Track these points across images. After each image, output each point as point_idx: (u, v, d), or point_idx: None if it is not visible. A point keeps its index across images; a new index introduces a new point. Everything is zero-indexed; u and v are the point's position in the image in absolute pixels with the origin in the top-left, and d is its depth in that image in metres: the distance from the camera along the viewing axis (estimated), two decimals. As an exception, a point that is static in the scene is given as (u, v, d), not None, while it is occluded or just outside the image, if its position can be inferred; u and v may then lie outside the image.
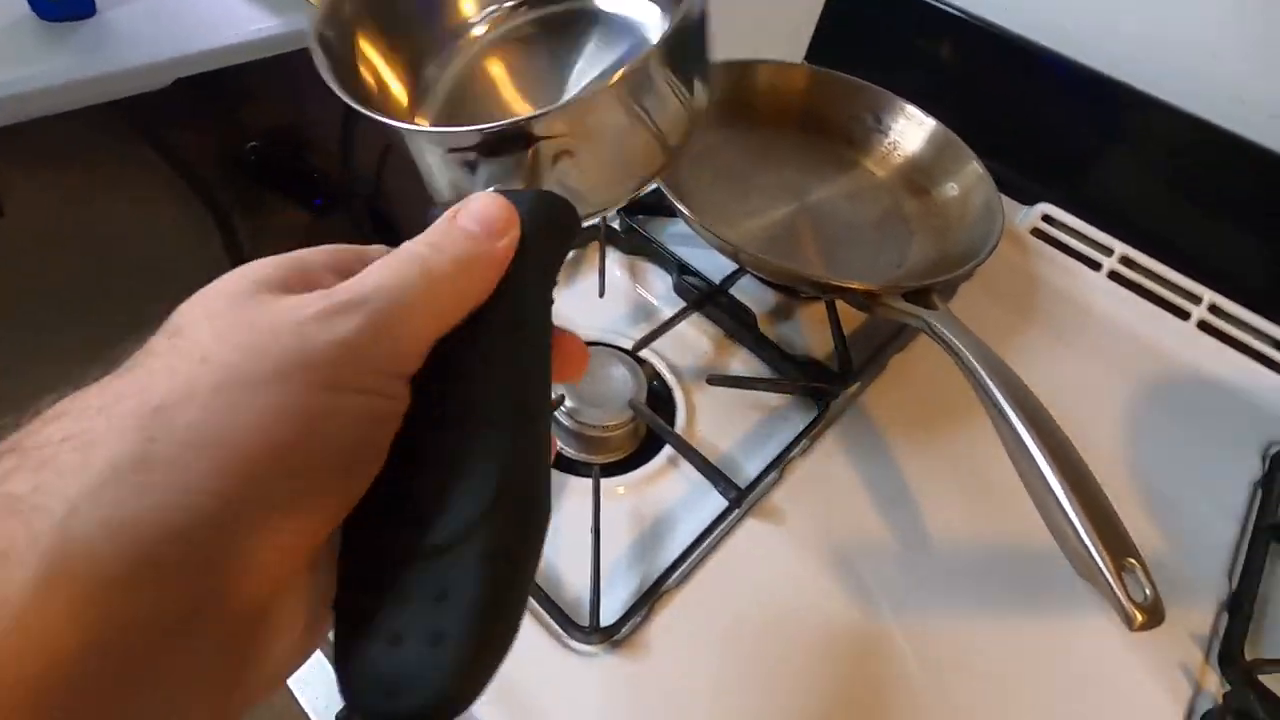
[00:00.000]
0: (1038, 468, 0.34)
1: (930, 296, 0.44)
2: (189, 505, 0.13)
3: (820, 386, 0.45)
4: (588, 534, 0.35)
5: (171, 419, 0.14)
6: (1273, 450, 0.50)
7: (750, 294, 0.52)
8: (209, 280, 0.17)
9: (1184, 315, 0.56)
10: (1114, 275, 0.58)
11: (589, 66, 0.31)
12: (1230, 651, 0.38)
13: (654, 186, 0.36)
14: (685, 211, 0.46)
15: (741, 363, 0.48)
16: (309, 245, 0.20)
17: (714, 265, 0.50)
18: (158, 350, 0.15)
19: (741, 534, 0.39)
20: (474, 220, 0.18)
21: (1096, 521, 0.31)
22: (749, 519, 0.40)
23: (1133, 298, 0.57)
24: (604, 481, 0.39)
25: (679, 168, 0.55)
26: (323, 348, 0.15)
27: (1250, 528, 0.45)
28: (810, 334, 0.51)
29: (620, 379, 0.43)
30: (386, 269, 0.17)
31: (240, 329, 0.15)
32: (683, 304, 0.49)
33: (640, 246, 0.53)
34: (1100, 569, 0.30)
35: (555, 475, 0.40)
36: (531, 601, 0.34)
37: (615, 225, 0.54)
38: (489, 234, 0.18)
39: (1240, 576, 0.42)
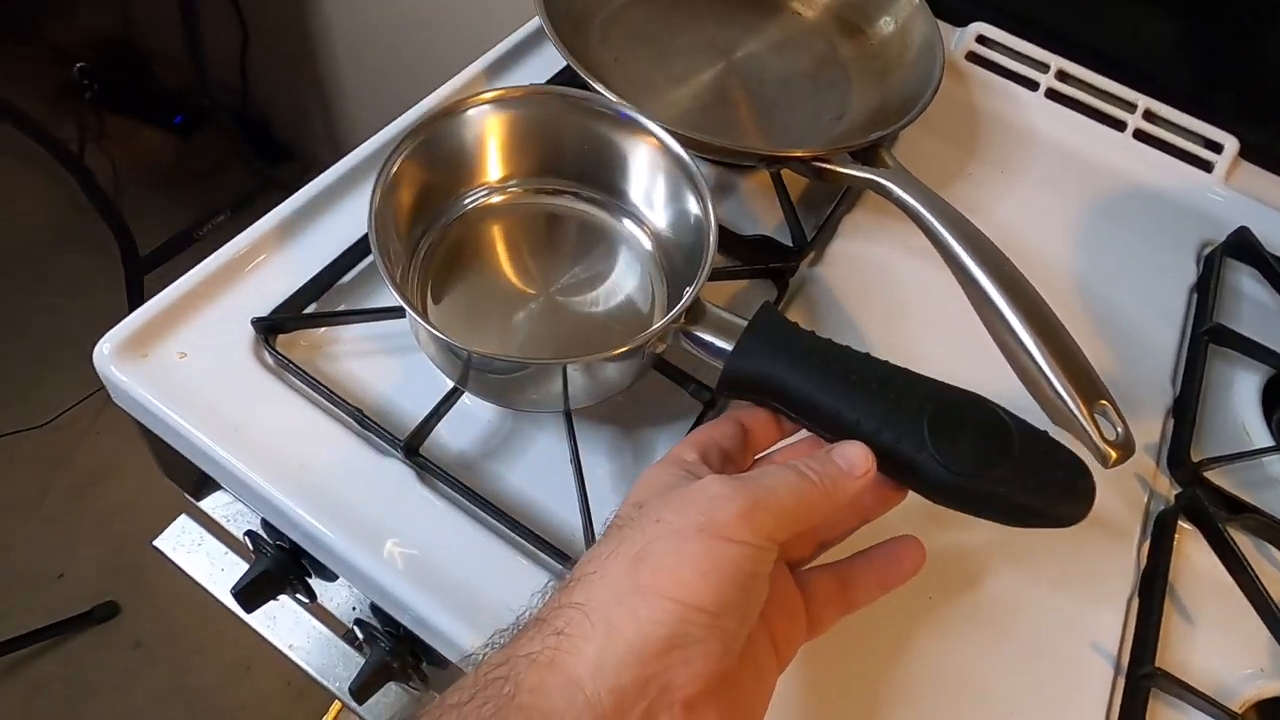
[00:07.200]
0: (1007, 323, 0.34)
1: (879, 153, 0.42)
2: (662, 614, 0.22)
3: (777, 265, 0.43)
4: (568, 466, 0.34)
5: (645, 559, 0.23)
6: (1205, 251, 0.51)
7: (690, 174, 0.49)
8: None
9: (1120, 126, 0.55)
10: (1051, 93, 0.56)
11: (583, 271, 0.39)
12: (1178, 454, 0.41)
13: (564, 65, 0.44)
14: (605, 92, 0.41)
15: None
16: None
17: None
18: (631, 517, 0.25)
19: (722, 431, 0.39)
20: (844, 459, 0.26)
21: (1068, 369, 0.32)
22: (727, 414, 0.39)
23: (1070, 114, 0.56)
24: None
25: (588, 40, 0.50)
26: (725, 516, 0.24)
27: (1189, 332, 0.47)
28: (756, 207, 0.48)
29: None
30: (774, 474, 0.26)
31: (678, 500, 0.25)
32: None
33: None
34: (1075, 416, 0.31)
35: (520, 413, 0.38)
36: (526, 544, 0.33)
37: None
38: (850, 473, 0.26)
39: (1182, 382, 0.45)
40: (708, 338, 0.31)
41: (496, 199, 0.40)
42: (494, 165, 0.40)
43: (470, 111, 0.37)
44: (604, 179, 0.40)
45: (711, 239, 0.34)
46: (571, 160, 0.40)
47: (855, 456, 0.26)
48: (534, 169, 0.40)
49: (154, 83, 1.39)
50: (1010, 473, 0.26)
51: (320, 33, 1.11)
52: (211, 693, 1.02)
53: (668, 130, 0.37)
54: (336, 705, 0.52)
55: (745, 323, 0.31)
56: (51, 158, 0.96)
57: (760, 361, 0.29)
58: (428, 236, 0.38)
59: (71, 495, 1.12)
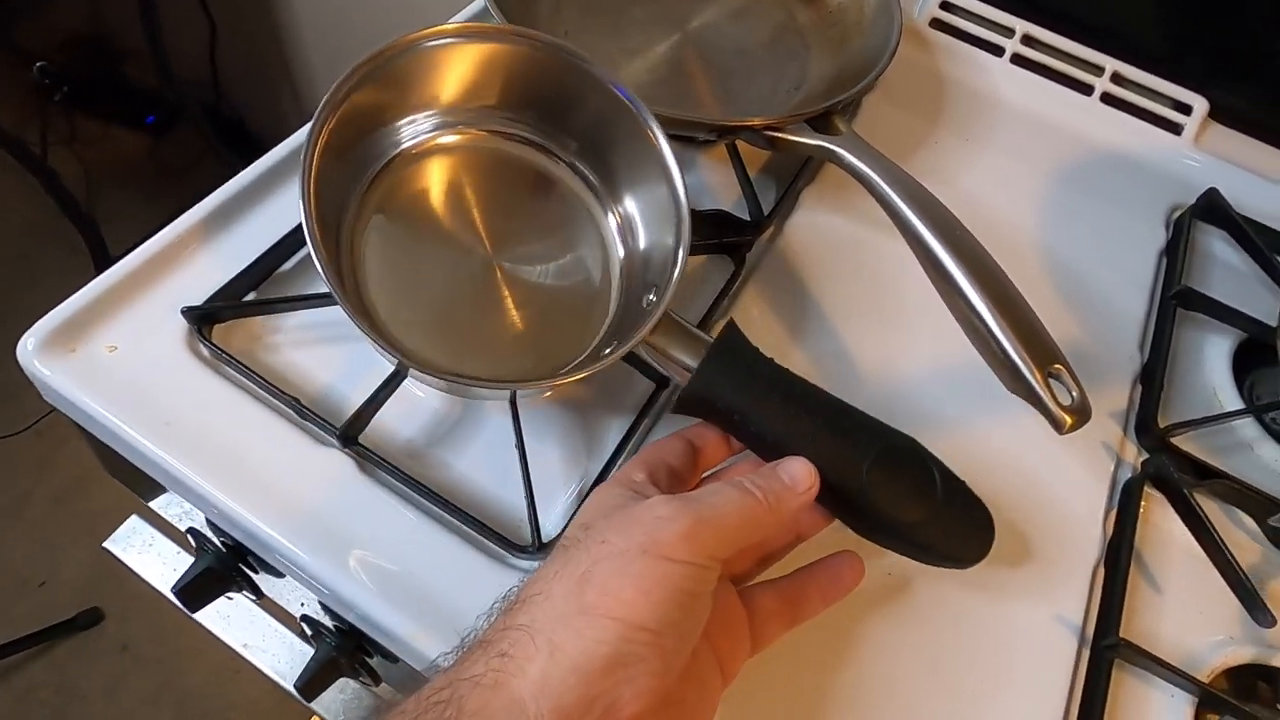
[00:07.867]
0: (957, 287, 0.33)
1: (833, 121, 0.40)
2: (605, 634, 0.22)
3: (733, 240, 0.42)
4: (512, 451, 0.33)
5: (590, 580, 0.23)
6: (1175, 215, 0.50)
7: (644, 150, 0.47)
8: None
9: (1087, 90, 0.54)
10: (1017, 58, 0.55)
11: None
12: (1145, 421, 0.40)
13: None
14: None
15: (647, 229, 0.45)
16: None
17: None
18: (577, 538, 0.25)
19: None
20: (788, 474, 0.27)
21: (1020, 333, 0.31)
22: (682, 394, 0.38)
23: (1037, 80, 0.54)
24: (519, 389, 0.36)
25: (537, 13, 0.48)
26: (668, 536, 0.24)
27: (1157, 297, 0.46)
28: (714, 181, 0.47)
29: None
30: (718, 492, 0.26)
31: (622, 520, 0.25)
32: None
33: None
34: (1029, 380, 0.30)
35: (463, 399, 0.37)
36: (473, 534, 0.32)
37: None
38: (794, 489, 0.27)
39: (1150, 347, 0.44)
40: (669, 351, 0.31)
41: (450, 138, 0.37)
42: (453, 95, 0.37)
43: (426, 45, 0.34)
44: (575, 137, 0.38)
45: (683, 247, 0.34)
46: (539, 106, 0.38)
47: (799, 473, 0.27)
48: (502, 106, 0.37)
49: (125, 82, 1.37)
50: (928, 519, 0.29)
51: (288, 22, 1.09)
52: (201, 694, 1.01)
53: (660, 122, 0.36)
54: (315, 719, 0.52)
55: (709, 340, 0.31)
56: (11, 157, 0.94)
57: (722, 389, 0.30)
58: (363, 180, 0.36)
59: (53, 501, 1.11)
